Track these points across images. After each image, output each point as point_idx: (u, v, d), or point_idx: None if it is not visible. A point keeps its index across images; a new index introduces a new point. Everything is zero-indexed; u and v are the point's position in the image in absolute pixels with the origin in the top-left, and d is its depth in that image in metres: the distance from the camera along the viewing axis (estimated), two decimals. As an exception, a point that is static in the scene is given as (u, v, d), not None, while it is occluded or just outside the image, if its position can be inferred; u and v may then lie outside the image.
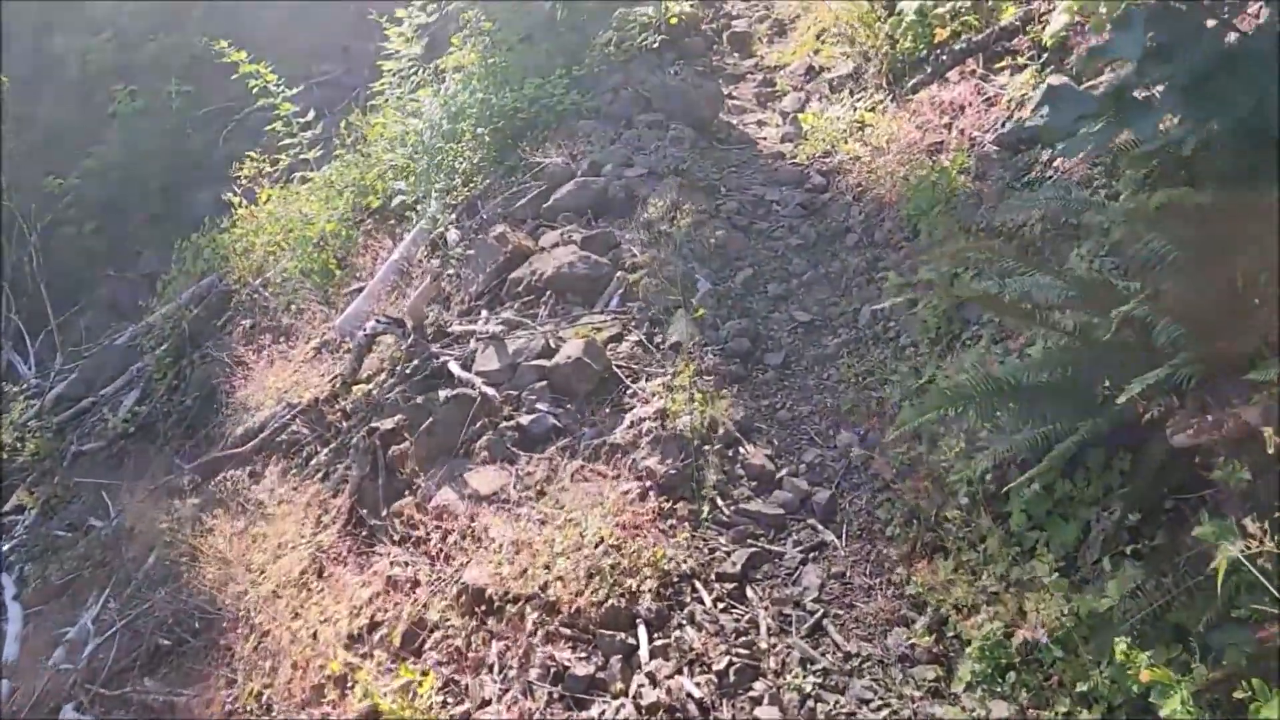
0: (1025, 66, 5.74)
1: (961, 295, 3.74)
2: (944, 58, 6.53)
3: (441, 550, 4.11)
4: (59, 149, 14.88)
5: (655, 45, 9.15)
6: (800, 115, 7.76)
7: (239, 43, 16.86)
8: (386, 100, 9.36)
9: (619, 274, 5.56)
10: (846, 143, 7.08)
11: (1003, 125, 5.56)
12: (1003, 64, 5.88)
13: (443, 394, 5.07)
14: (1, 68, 15.17)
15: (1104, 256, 4.11)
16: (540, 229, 6.56)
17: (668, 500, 3.96)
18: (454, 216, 7.41)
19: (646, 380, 4.79)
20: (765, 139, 7.89)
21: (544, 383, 4.79)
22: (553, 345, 5.03)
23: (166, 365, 9.06)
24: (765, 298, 5.59)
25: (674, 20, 9.43)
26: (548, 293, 5.61)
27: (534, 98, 8.29)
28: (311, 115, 9.55)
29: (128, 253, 13.91)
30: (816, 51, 9.20)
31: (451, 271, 6.45)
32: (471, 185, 7.97)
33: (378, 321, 5.71)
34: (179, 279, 9.59)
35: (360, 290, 7.38)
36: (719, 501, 4.00)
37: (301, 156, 9.50)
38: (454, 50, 9.49)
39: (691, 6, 9.92)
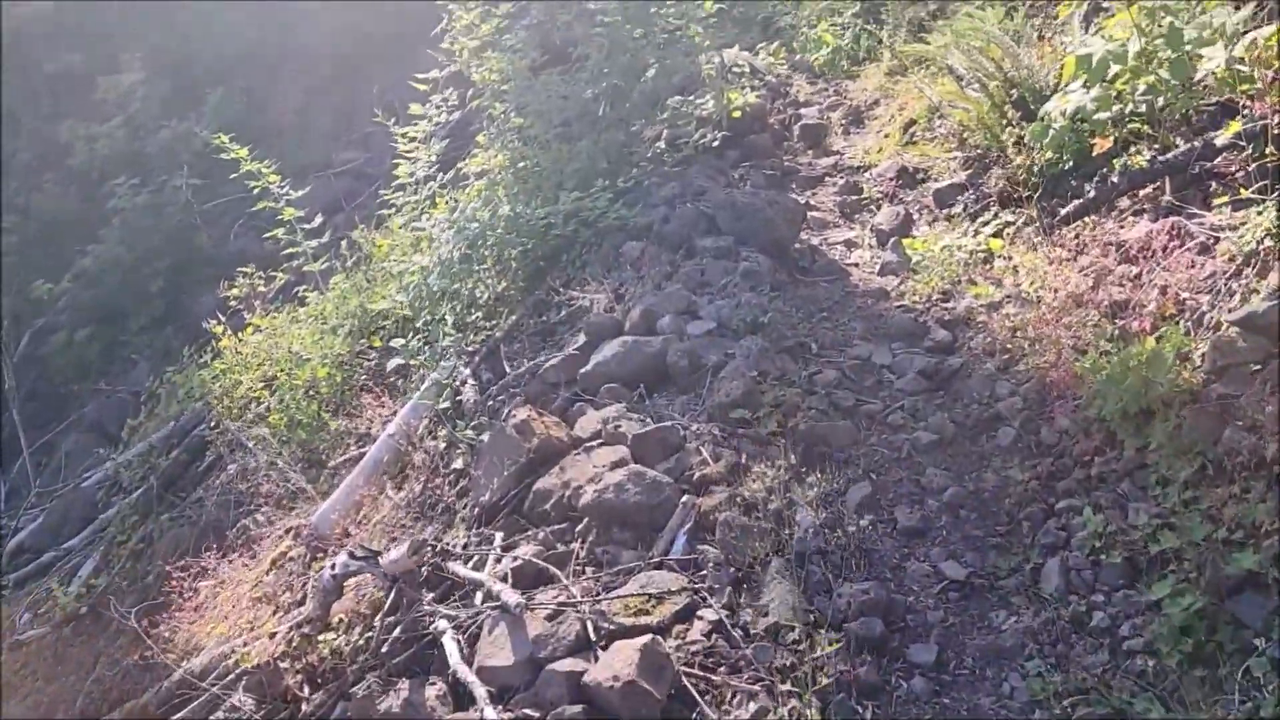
0: (1252, 204, 4.10)
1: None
2: (1112, 179, 4.91)
3: None
4: (58, 245, 13.71)
5: (716, 144, 7.65)
6: (904, 239, 6.16)
7: (256, 128, 15.72)
8: (397, 210, 7.94)
9: (685, 499, 3.94)
10: (974, 282, 5.47)
11: (1231, 288, 3.91)
12: (1220, 198, 4.24)
13: (430, 694, 3.45)
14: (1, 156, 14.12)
15: None
16: (577, 404, 4.99)
17: None
18: (469, 371, 5.88)
19: (733, 703, 3.14)
20: (859, 267, 6.30)
21: (579, 707, 3.15)
22: (592, 633, 3.40)
23: (131, 525, 7.61)
24: (894, 532, 3.93)
25: (737, 114, 7.94)
26: (586, 520, 4.01)
27: (571, 212, 6.79)
28: (319, 220, 8.16)
29: (123, 361, 12.62)
30: (907, 145, 7.65)
31: (458, 466, 4.89)
32: (495, 322, 6.46)
33: (351, 556, 4.13)
34: (148, 424, 8.15)
35: (361, 454, 5.86)
36: None
37: (305, 268, 8.10)
38: (478, 151, 8.07)
39: (757, 96, 8.44)
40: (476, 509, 4.47)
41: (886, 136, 8.09)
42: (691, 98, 8.24)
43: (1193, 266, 4.12)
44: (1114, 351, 4.07)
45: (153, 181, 13.15)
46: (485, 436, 4.85)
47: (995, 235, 5.76)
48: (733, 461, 4.16)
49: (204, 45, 15.22)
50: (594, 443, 4.48)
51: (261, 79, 15.59)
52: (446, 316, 5.78)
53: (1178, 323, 3.97)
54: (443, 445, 5.19)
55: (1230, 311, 3.72)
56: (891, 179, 7.28)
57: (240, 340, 7.55)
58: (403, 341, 5.59)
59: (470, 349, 6.13)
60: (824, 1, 10.60)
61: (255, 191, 8.00)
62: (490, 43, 7.88)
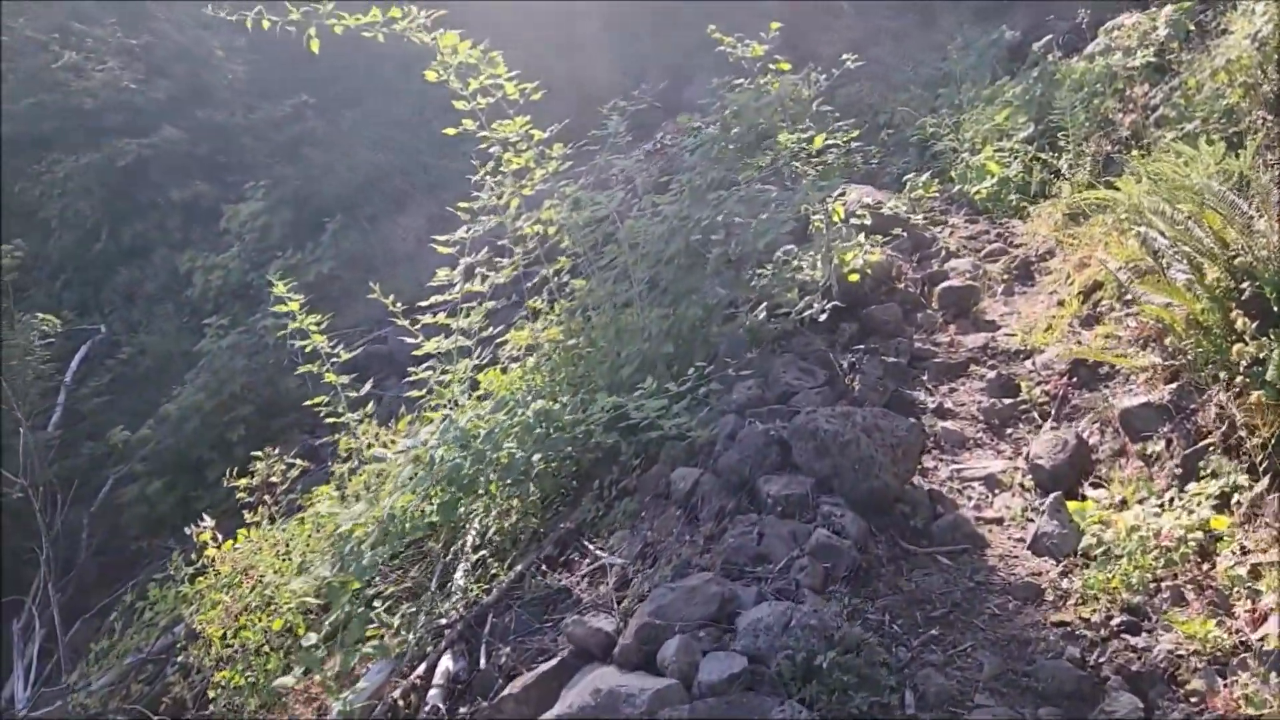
0: None
1: None
2: None
3: None
4: (163, 383, 13.12)
5: (824, 317, 5.79)
6: (1071, 500, 4.10)
7: (375, 258, 14.84)
8: (424, 394, 6.46)
9: None
10: (1183, 599, 3.37)
11: None
12: None
13: None
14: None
15: None
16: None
17: None
18: (429, 661, 4.21)
19: None
20: (1002, 527, 4.27)
21: None
22: None
23: (96, 767, 6.28)
24: None
25: (854, 277, 6.08)
26: None
27: (611, 419, 5.08)
28: (368, 387, 6.77)
29: (196, 517, 11.71)
30: (1088, 322, 5.59)
31: None
32: (496, 570, 4.81)
33: None
34: (122, 642, 6.85)
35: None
36: None
37: (348, 444, 6.71)
38: (523, 322, 6.50)
39: (884, 252, 6.57)
40: None
41: (1061, 304, 6.04)
42: (805, 253, 6.48)
43: None
44: None
45: (248, 319, 12.39)
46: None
47: (1218, 507, 3.65)
48: None
49: (330, 175, 14.71)
50: None
51: (388, 207, 14.91)
52: (376, 602, 4.13)
53: None
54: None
55: None
56: (1062, 375, 5.25)
57: (222, 552, 6.17)
58: (313, 638, 3.96)
59: (444, 620, 4.47)
60: (989, 122, 8.73)
61: (307, 350, 6.73)
62: (546, 191, 6.38)
